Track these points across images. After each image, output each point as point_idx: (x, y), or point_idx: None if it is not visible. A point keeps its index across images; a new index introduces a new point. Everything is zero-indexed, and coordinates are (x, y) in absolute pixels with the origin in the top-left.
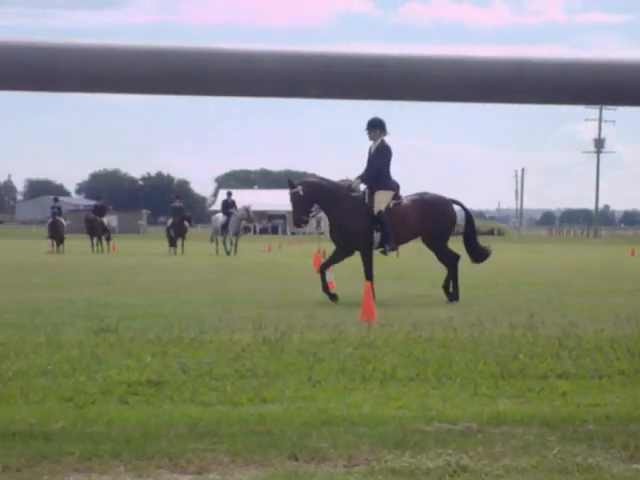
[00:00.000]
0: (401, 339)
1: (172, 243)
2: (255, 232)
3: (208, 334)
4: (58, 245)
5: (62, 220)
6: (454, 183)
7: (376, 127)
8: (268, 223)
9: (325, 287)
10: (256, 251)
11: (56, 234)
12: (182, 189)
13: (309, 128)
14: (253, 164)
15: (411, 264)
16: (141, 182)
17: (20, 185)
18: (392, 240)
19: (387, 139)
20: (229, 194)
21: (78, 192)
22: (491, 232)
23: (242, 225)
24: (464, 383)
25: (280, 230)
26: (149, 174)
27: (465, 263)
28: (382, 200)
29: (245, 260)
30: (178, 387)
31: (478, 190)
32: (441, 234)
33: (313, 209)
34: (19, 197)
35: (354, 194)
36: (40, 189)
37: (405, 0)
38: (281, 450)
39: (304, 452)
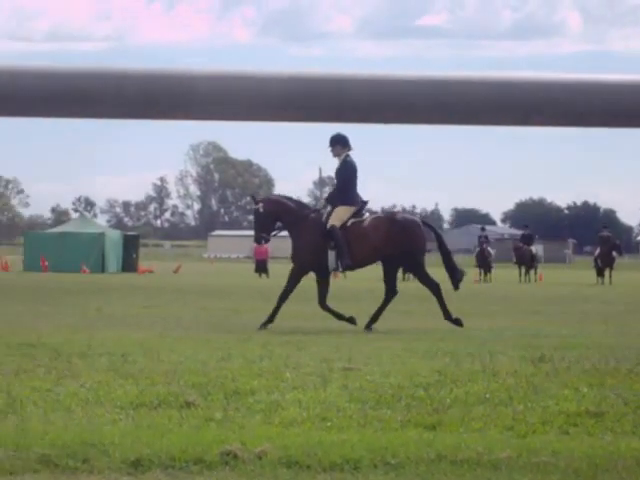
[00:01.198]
0: None
1: (599, 273)
2: None
3: None
4: (485, 274)
5: (489, 249)
6: None
7: (337, 143)
8: None
9: (272, 318)
10: None
11: (483, 263)
12: (609, 218)
13: None
14: None
15: None
16: (567, 211)
17: (447, 214)
18: (346, 260)
19: (352, 154)
20: None
21: (503, 221)
22: None
23: None
24: None
25: None
26: (575, 203)
27: None
28: (339, 215)
29: None
30: (618, 419)
31: None
32: (410, 256)
33: (276, 227)
34: (446, 226)
35: (315, 214)
36: (467, 218)
37: None
38: None
39: None
